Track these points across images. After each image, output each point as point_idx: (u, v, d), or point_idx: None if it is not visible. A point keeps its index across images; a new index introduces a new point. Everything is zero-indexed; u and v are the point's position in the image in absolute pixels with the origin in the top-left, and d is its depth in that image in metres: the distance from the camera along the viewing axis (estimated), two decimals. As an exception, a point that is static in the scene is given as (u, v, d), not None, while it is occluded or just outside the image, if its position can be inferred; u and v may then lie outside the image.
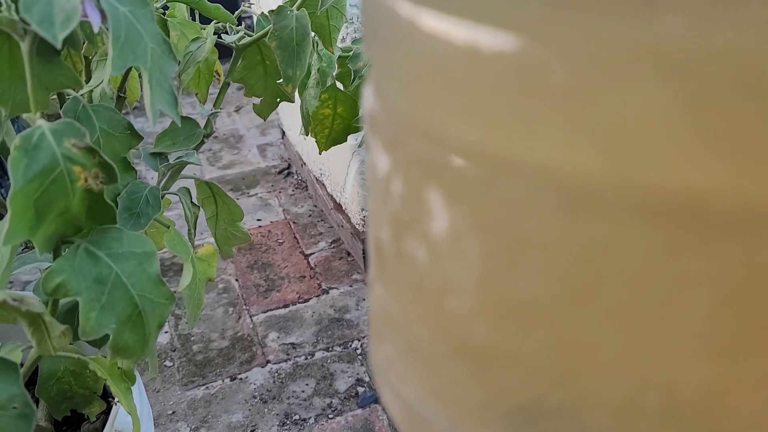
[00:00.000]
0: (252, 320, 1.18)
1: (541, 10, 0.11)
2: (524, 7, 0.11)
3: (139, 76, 0.61)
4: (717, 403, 0.12)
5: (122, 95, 0.59)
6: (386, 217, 0.16)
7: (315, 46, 0.59)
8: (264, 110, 0.60)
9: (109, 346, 0.39)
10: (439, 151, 0.13)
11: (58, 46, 0.29)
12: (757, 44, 0.09)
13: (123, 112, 0.58)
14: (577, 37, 0.11)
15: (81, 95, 0.47)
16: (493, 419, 0.15)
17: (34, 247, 0.40)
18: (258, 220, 1.48)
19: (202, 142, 0.55)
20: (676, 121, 0.10)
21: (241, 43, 0.54)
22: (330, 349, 1.10)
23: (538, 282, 0.13)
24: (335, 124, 0.67)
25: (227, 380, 1.06)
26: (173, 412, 1.01)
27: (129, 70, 0.57)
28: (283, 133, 1.71)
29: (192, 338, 1.14)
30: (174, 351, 1.12)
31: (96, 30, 0.33)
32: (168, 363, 1.10)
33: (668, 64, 0.10)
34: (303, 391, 1.03)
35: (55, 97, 0.48)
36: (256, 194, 1.58)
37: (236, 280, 1.28)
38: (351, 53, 0.61)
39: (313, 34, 0.58)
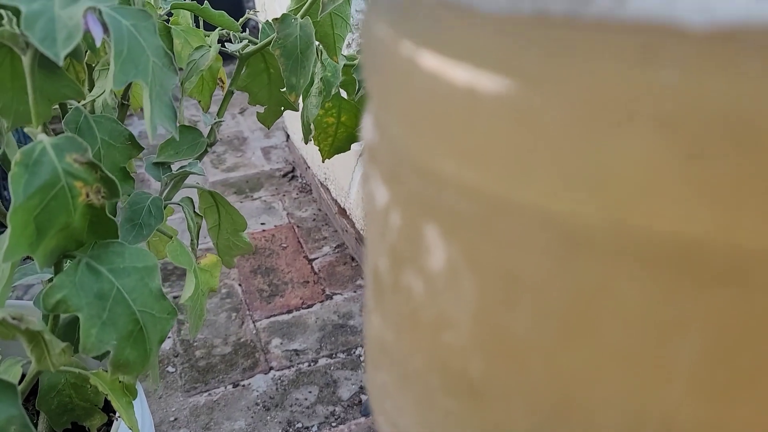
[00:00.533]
0: (255, 326, 1.18)
1: (539, 57, 0.11)
2: (523, 53, 0.11)
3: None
4: None
5: (125, 102, 0.59)
6: (384, 248, 0.16)
7: (319, 54, 0.59)
8: (268, 118, 0.60)
9: (110, 362, 0.38)
10: (436, 187, 0.13)
11: (60, 63, 0.29)
12: (751, 98, 0.09)
13: (127, 114, 0.58)
14: (575, 84, 0.11)
15: (83, 105, 0.46)
16: None
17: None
18: (262, 223, 1.47)
19: (206, 152, 0.54)
20: (671, 171, 0.10)
21: (245, 51, 0.53)
22: (333, 355, 1.10)
23: (532, 320, 0.13)
24: (339, 132, 0.66)
25: (230, 387, 1.06)
26: (175, 419, 1.01)
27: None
28: (288, 136, 1.71)
29: (195, 344, 1.14)
30: (176, 357, 1.11)
31: (98, 44, 0.33)
32: (170, 369, 1.09)
33: (664, 115, 0.10)
34: (306, 399, 1.02)
35: (57, 107, 0.47)
36: (260, 198, 1.58)
37: (239, 285, 1.28)
38: (356, 62, 0.60)
39: (317, 43, 0.58)
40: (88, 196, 0.36)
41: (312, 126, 0.61)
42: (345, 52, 0.63)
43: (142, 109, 0.64)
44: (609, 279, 0.11)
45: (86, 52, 0.55)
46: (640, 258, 0.11)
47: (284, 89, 0.53)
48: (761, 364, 0.11)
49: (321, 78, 0.56)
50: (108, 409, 0.56)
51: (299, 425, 0.98)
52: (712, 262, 0.10)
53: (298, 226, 1.45)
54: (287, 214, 1.50)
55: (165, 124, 0.38)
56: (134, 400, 0.47)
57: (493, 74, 0.11)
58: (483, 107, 0.12)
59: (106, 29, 0.33)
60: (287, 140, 1.73)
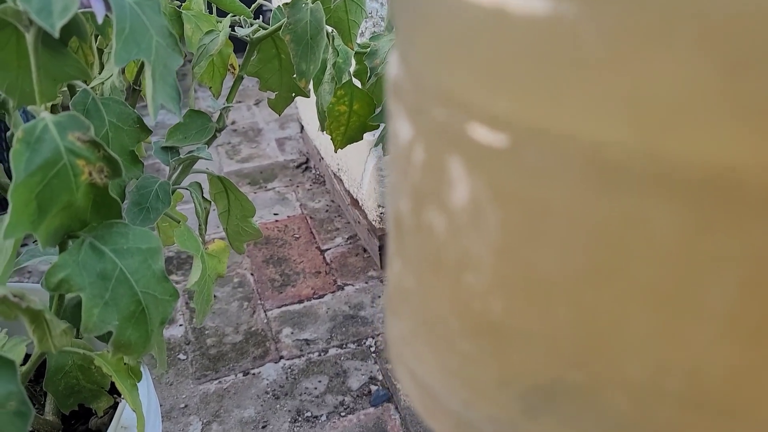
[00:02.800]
0: (266, 315, 1.18)
1: None
2: None
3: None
4: (742, 391, 0.11)
5: (137, 88, 0.59)
6: (407, 188, 0.15)
7: (331, 40, 0.58)
8: (279, 104, 0.59)
9: (112, 342, 0.38)
10: (462, 118, 0.13)
11: (56, 35, 0.29)
12: None
13: (139, 105, 0.58)
14: (614, 4, 0.10)
15: (91, 88, 0.46)
16: (508, 399, 0.14)
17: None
18: (275, 214, 1.47)
19: (215, 137, 0.54)
20: (712, 92, 0.10)
21: (255, 36, 0.53)
22: (344, 346, 1.10)
23: (559, 256, 0.12)
24: (351, 121, 0.66)
25: (240, 375, 1.06)
26: (185, 406, 1.01)
27: (141, 65, 0.56)
28: (302, 128, 1.71)
29: (206, 332, 1.14)
30: (188, 344, 1.12)
31: (100, 21, 0.33)
32: (182, 356, 1.10)
33: (708, 30, 0.09)
34: (315, 388, 1.02)
35: (66, 89, 0.47)
36: (274, 188, 1.58)
37: (251, 274, 1.28)
38: (368, 50, 0.59)
39: (329, 29, 0.57)
40: (90, 174, 0.35)
41: (325, 114, 0.61)
42: (358, 40, 0.63)
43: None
44: (642, 212, 0.11)
45: (96, 36, 0.55)
46: (676, 188, 0.10)
47: (295, 75, 0.53)
48: None
49: (333, 64, 0.55)
50: (114, 391, 0.56)
51: (308, 414, 0.98)
52: (751, 193, 0.10)
53: (310, 217, 1.45)
54: (300, 204, 1.50)
55: (168, 104, 0.37)
56: (139, 382, 0.47)
57: None
58: (513, 29, 0.11)
59: (108, 6, 0.32)
60: (301, 131, 1.73)
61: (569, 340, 0.13)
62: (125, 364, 0.47)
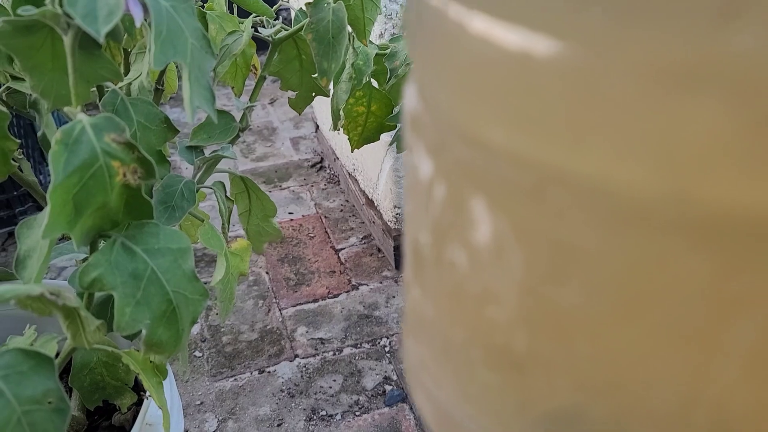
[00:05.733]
0: (281, 314, 1.18)
1: (602, 21, 0.10)
2: (584, 16, 0.10)
3: (177, 68, 0.62)
4: (766, 425, 0.12)
5: (160, 87, 0.59)
6: (426, 222, 0.16)
7: (351, 40, 0.58)
8: (299, 104, 0.60)
9: (144, 341, 0.39)
10: (484, 157, 0.13)
11: (101, 40, 0.29)
12: None
13: (159, 104, 0.58)
14: (641, 50, 0.10)
15: (119, 88, 0.47)
16: (527, 427, 0.15)
17: (70, 237, 0.40)
18: (290, 213, 1.48)
19: (238, 136, 0.55)
20: (739, 139, 0.10)
21: (277, 36, 0.53)
22: (358, 345, 1.10)
23: (583, 296, 0.12)
24: (369, 122, 0.66)
25: (255, 373, 1.07)
26: (201, 403, 1.02)
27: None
28: (317, 127, 1.71)
29: (222, 330, 1.15)
30: (204, 342, 1.13)
31: (138, 24, 0.33)
32: (197, 354, 1.11)
33: (736, 83, 0.09)
34: (330, 387, 1.03)
35: (95, 89, 0.48)
36: (289, 187, 1.58)
37: (267, 273, 1.28)
38: (388, 51, 0.60)
39: (349, 28, 0.58)
40: (125, 176, 0.36)
41: (342, 114, 0.61)
42: (377, 41, 0.63)
43: (172, 97, 0.65)
44: (667, 253, 0.11)
45: (124, 35, 0.56)
46: (702, 231, 0.10)
47: (316, 75, 0.53)
48: None
49: (352, 64, 0.56)
50: (137, 388, 0.57)
51: (323, 413, 0.98)
52: None
53: (325, 217, 1.46)
54: (315, 204, 1.51)
55: (204, 106, 0.38)
56: (164, 380, 0.48)
57: (550, 37, 0.11)
58: (538, 72, 0.11)
59: (146, 10, 0.33)
60: (316, 131, 1.74)
61: (592, 372, 0.13)
62: (151, 362, 0.48)
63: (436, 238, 0.15)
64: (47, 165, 0.67)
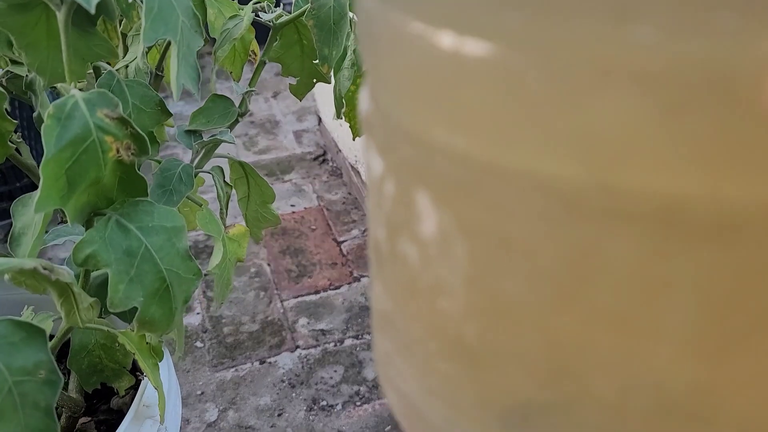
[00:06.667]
0: (283, 305, 1.18)
1: (519, 20, 0.11)
2: (503, 16, 0.11)
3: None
4: (707, 402, 0.12)
5: (159, 74, 0.59)
6: (381, 218, 0.16)
7: (353, 26, 0.58)
8: (300, 90, 0.60)
9: (136, 318, 0.39)
10: (426, 155, 0.14)
11: (92, 10, 0.29)
12: (728, 54, 0.09)
13: (162, 96, 0.58)
14: (553, 46, 0.11)
15: (116, 70, 0.47)
16: (487, 418, 0.15)
17: (68, 221, 0.40)
18: (292, 205, 1.48)
19: (237, 121, 0.54)
20: (654, 129, 0.10)
21: (278, 21, 0.53)
22: (359, 336, 1.10)
23: (524, 284, 0.13)
24: (370, 107, 0.66)
25: (256, 363, 1.07)
26: (202, 393, 1.02)
27: (167, 48, 0.57)
28: (320, 120, 1.71)
29: (223, 320, 1.15)
30: (205, 332, 1.13)
31: (131, -1, 0.33)
32: (198, 344, 1.11)
33: (643, 74, 0.10)
34: (331, 378, 1.03)
35: (92, 72, 0.48)
36: (291, 180, 1.58)
37: (268, 264, 1.29)
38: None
39: (351, 14, 0.58)
40: (118, 151, 0.36)
41: (343, 101, 0.61)
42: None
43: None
44: (599, 239, 0.11)
45: (121, 20, 0.56)
46: (628, 217, 0.11)
47: (317, 61, 0.53)
48: (753, 321, 0.11)
49: (354, 50, 0.56)
50: (135, 372, 0.57)
51: (324, 403, 0.99)
52: (699, 219, 0.10)
53: (327, 209, 1.46)
54: (317, 196, 1.51)
55: (188, 83, 0.38)
56: (160, 362, 0.48)
57: (475, 38, 0.11)
58: (468, 73, 0.12)
59: (138, -16, 0.33)
60: (319, 124, 1.74)
61: (540, 361, 0.13)
62: (147, 343, 0.48)
63: (390, 234, 0.16)
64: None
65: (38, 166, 0.50)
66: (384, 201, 0.16)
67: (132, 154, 0.37)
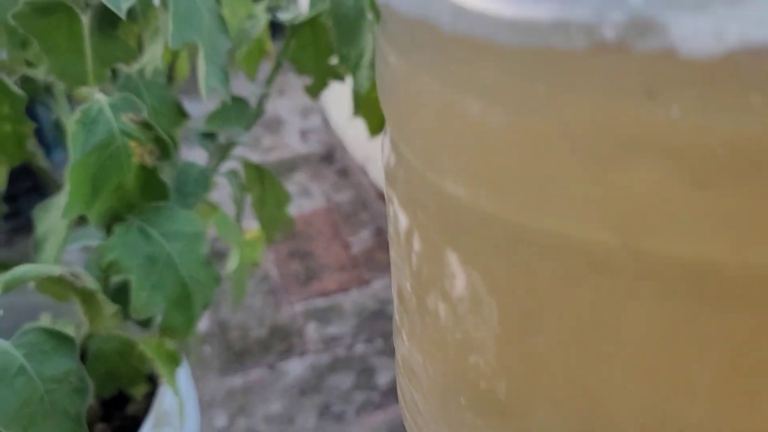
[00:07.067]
0: (291, 309, 1.18)
1: (549, 90, 0.11)
2: (533, 86, 0.11)
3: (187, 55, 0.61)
4: None
5: (171, 76, 0.59)
6: (406, 271, 0.16)
7: (372, 25, 0.58)
8: (315, 90, 0.59)
9: (158, 325, 0.38)
10: (454, 214, 0.14)
11: (123, 16, 0.29)
12: (756, 129, 0.10)
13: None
14: (583, 116, 0.11)
15: (134, 72, 0.46)
16: None
17: (82, 224, 0.39)
18: (298, 207, 1.47)
19: (253, 123, 0.54)
20: (681, 198, 0.10)
21: (295, 21, 0.53)
22: (371, 341, 1.09)
23: (555, 343, 0.13)
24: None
25: (265, 369, 1.06)
26: (211, 399, 1.01)
27: (176, 51, 0.56)
28: (326, 119, 1.71)
29: (231, 326, 1.15)
30: (213, 338, 1.12)
31: (157, 2, 0.33)
32: (206, 349, 1.10)
33: (669, 147, 0.10)
34: (342, 384, 1.02)
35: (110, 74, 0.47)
36: (297, 180, 1.58)
37: (276, 268, 1.28)
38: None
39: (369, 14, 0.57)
40: (142, 156, 0.35)
41: (361, 101, 0.61)
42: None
43: (183, 87, 0.64)
44: (629, 299, 0.12)
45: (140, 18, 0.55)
46: (658, 281, 0.11)
47: (333, 60, 0.53)
48: None
49: (372, 50, 0.55)
50: (151, 378, 0.56)
51: (335, 409, 0.98)
52: (728, 284, 0.11)
53: (335, 210, 1.45)
54: (324, 197, 1.50)
55: (217, 86, 0.37)
56: (179, 368, 0.47)
57: (504, 106, 0.12)
58: (495, 138, 0.12)
59: (164, -14, 0.32)
60: (325, 123, 1.73)
61: (572, 414, 0.14)
62: (166, 349, 0.47)
63: (417, 288, 0.16)
64: (50, 153, 0.66)
65: (54, 170, 0.49)
66: (410, 255, 0.16)
67: (156, 158, 0.36)
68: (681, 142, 0.10)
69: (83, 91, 0.36)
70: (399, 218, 0.16)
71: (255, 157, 1.67)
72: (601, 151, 0.11)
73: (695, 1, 0.09)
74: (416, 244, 0.15)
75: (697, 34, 0.09)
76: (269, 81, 0.53)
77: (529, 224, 0.12)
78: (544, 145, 0.11)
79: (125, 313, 0.38)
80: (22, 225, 0.87)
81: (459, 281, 0.14)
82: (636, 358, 0.12)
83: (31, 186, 1.35)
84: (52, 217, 0.38)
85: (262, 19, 0.50)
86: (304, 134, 1.81)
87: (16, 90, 0.35)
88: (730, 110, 0.10)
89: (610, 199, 0.11)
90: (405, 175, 0.15)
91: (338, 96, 1.28)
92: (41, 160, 0.52)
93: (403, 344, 0.18)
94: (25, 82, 0.49)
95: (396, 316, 0.18)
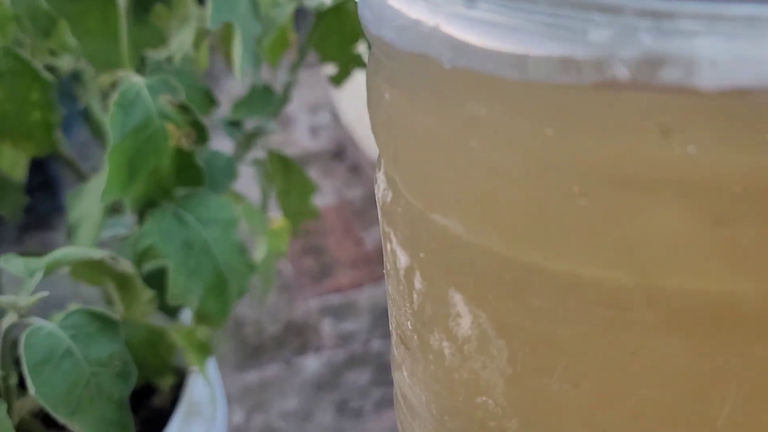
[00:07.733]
0: (305, 305, 1.17)
1: (561, 128, 0.11)
2: (543, 123, 0.11)
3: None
4: None
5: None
6: (409, 310, 0.16)
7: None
8: (339, 79, 0.59)
9: (194, 312, 0.38)
10: (459, 254, 0.13)
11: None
12: None
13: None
14: (599, 155, 0.11)
15: (163, 59, 0.46)
16: None
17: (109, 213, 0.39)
18: (310, 205, 1.47)
19: (279, 110, 0.54)
20: (700, 235, 0.10)
21: (320, 8, 0.52)
22: (387, 337, 1.09)
23: (567, 383, 0.13)
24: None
25: (281, 365, 1.06)
26: (227, 395, 1.01)
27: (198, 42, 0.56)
28: (335, 116, 1.71)
29: (245, 322, 1.14)
30: (227, 334, 1.12)
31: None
32: (221, 345, 1.10)
33: (688, 185, 0.10)
34: (359, 380, 1.02)
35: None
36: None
37: (289, 264, 1.28)
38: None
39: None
40: (179, 139, 0.35)
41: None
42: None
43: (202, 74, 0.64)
44: (645, 339, 0.11)
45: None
46: (674, 318, 0.11)
47: (358, 48, 0.52)
48: None
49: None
50: (176, 369, 0.56)
51: (353, 405, 0.97)
52: (746, 319, 0.11)
53: (347, 207, 1.45)
54: (336, 194, 1.50)
55: (250, 68, 0.37)
56: (208, 358, 0.47)
57: (511, 146, 0.11)
58: (502, 178, 0.12)
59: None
60: (335, 119, 1.73)
61: None
62: (196, 338, 0.47)
63: (420, 327, 0.16)
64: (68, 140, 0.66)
65: (77, 158, 0.49)
66: (410, 293, 0.15)
67: (192, 142, 0.36)
68: (698, 179, 0.10)
69: (116, 74, 0.36)
70: (398, 256, 0.16)
71: (264, 154, 1.67)
72: (615, 191, 0.11)
73: (712, 35, 0.09)
74: (417, 283, 0.15)
75: (715, 67, 0.09)
76: (293, 68, 0.53)
77: (540, 264, 0.12)
78: (555, 185, 0.11)
79: (161, 300, 0.38)
80: (33, 221, 0.87)
81: (464, 321, 0.14)
82: (652, 396, 0.12)
83: (43, 181, 1.35)
84: (85, 203, 0.38)
85: (289, 6, 0.49)
86: (314, 131, 1.80)
87: (46, 75, 0.35)
88: (746, 146, 0.10)
89: (625, 238, 0.11)
90: (404, 212, 0.15)
91: (349, 92, 1.28)
92: (67, 150, 0.51)
93: (403, 380, 0.18)
94: (48, 71, 0.49)
95: (395, 351, 0.18)
